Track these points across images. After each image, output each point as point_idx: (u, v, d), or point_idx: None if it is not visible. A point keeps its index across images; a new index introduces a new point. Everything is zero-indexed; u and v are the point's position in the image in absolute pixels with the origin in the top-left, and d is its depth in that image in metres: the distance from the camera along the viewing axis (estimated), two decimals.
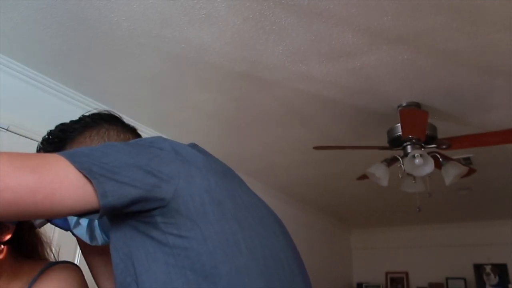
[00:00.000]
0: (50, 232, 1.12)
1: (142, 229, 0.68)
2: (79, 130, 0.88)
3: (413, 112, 2.31)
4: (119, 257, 0.72)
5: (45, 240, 1.05)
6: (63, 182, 0.61)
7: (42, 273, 0.94)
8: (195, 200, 0.68)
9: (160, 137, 0.75)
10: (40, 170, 0.60)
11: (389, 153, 2.65)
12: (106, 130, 0.89)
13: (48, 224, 0.92)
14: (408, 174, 2.60)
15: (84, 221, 0.87)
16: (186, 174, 0.69)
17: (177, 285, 0.64)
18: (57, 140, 0.88)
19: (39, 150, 0.90)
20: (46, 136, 0.89)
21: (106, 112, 0.94)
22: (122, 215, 0.69)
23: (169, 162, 0.69)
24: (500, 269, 5.14)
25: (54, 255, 1.05)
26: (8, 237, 0.94)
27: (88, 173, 0.61)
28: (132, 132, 0.94)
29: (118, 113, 0.96)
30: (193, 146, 0.82)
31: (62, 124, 0.91)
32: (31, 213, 0.60)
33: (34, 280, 0.92)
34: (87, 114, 0.93)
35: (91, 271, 0.98)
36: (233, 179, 0.77)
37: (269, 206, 0.85)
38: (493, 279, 5.13)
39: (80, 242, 0.95)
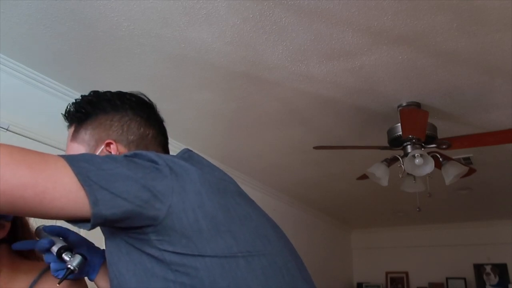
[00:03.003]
0: None
1: (137, 245, 0.68)
2: (105, 110, 0.88)
3: (413, 112, 2.31)
4: (113, 273, 0.72)
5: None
6: (57, 183, 0.61)
7: (43, 273, 0.93)
8: (189, 217, 0.67)
9: (153, 152, 0.75)
10: (37, 167, 0.60)
11: (389, 153, 2.65)
12: (129, 119, 0.89)
13: (47, 224, 0.92)
14: (408, 174, 2.60)
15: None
16: (179, 189, 0.68)
17: None
18: (84, 111, 0.88)
19: (66, 112, 0.90)
20: (77, 101, 0.90)
21: (139, 97, 0.94)
22: (116, 230, 0.69)
23: (163, 177, 0.68)
24: (500, 269, 5.14)
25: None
26: (3, 235, 0.93)
27: (83, 179, 0.61)
28: (155, 127, 0.93)
29: (151, 100, 0.95)
30: (188, 156, 0.81)
31: (94, 95, 0.91)
32: (19, 208, 0.60)
33: (35, 282, 0.92)
34: (122, 92, 0.92)
35: None
36: (226, 189, 0.77)
37: (262, 209, 0.85)
38: (493, 279, 5.13)
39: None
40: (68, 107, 0.91)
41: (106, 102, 0.90)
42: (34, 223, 1.04)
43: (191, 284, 0.65)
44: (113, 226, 0.68)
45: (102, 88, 2.50)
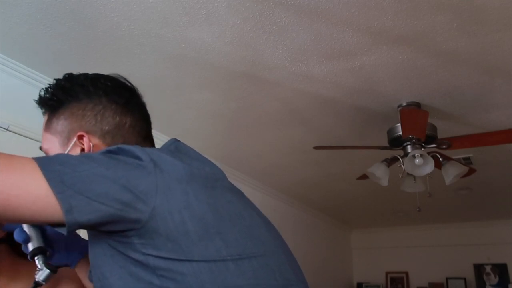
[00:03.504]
0: None
1: (121, 249, 0.65)
2: (78, 97, 0.81)
3: (413, 112, 2.31)
4: (96, 276, 0.68)
5: None
6: (21, 190, 0.57)
7: None
8: (175, 219, 0.63)
9: (137, 147, 0.69)
10: (3, 173, 0.56)
11: (389, 153, 2.65)
12: (103, 107, 0.81)
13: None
14: (408, 174, 2.60)
15: None
16: (164, 187, 0.64)
17: None
18: (56, 99, 0.82)
19: (41, 97, 0.84)
20: (50, 86, 0.83)
21: (116, 81, 0.85)
22: (99, 232, 0.65)
23: (147, 174, 0.63)
24: (500, 269, 5.14)
25: None
26: (1, 235, 0.93)
27: (55, 185, 0.57)
28: (134, 114, 0.85)
29: (131, 83, 0.87)
30: (174, 147, 0.77)
31: (67, 79, 0.83)
32: None
33: None
34: (96, 76, 0.84)
35: None
36: (216, 185, 0.72)
37: (259, 208, 0.82)
38: (493, 279, 5.13)
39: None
40: (41, 92, 0.84)
41: (79, 87, 0.82)
42: None
43: None
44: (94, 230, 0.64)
45: None
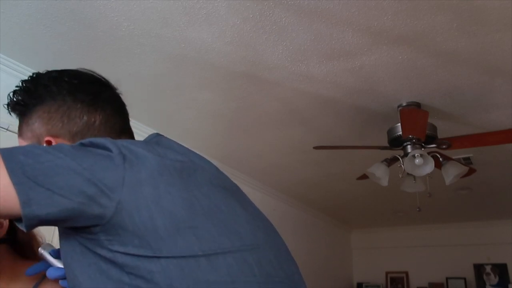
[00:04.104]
0: (49, 234, 1.12)
1: (90, 246, 0.62)
2: (42, 99, 0.77)
3: (413, 112, 2.31)
4: (68, 275, 0.66)
5: (40, 239, 1.04)
6: None
7: (45, 277, 0.93)
8: (142, 214, 0.60)
9: (108, 139, 0.66)
10: None
11: (389, 153, 2.65)
12: (67, 108, 0.76)
13: (47, 226, 0.91)
14: (408, 174, 2.60)
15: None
16: (132, 181, 0.61)
17: None
18: (22, 103, 0.78)
19: (9, 102, 0.80)
20: (16, 89, 0.80)
21: (82, 77, 0.80)
22: (67, 230, 0.63)
23: (115, 167, 0.61)
24: (500, 269, 5.14)
25: None
26: (2, 234, 0.92)
27: (15, 176, 0.55)
28: (104, 110, 0.79)
29: (101, 76, 0.83)
30: (155, 141, 0.73)
31: (32, 81, 0.79)
32: None
33: (38, 283, 0.91)
34: (60, 74, 0.79)
35: None
36: (193, 177, 0.68)
37: (255, 204, 0.78)
38: (493, 279, 5.13)
39: None
40: (9, 96, 0.80)
41: (42, 88, 0.77)
42: None
43: (147, 287, 0.59)
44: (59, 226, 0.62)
45: None
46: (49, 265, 0.82)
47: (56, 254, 0.81)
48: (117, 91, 0.85)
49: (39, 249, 0.86)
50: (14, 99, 0.79)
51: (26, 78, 0.80)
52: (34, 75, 0.79)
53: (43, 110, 0.77)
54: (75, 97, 0.77)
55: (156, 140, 0.75)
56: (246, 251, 0.66)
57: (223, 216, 0.67)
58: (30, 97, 0.78)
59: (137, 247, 0.60)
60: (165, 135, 0.81)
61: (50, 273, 0.77)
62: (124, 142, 0.66)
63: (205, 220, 0.64)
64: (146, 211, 0.60)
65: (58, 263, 0.81)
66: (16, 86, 0.80)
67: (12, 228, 0.95)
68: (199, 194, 0.66)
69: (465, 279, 5.26)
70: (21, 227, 0.59)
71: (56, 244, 1.06)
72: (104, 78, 0.84)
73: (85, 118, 0.77)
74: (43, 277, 0.92)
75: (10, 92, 0.80)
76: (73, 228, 0.62)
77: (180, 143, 0.78)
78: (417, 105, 2.40)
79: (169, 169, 0.65)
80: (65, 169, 0.58)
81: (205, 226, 0.64)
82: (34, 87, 0.78)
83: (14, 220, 0.60)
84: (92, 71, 0.83)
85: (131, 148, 0.65)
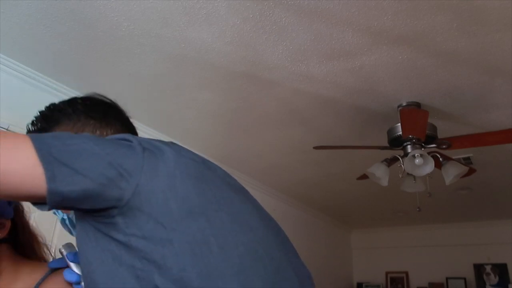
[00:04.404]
0: (49, 234, 1.12)
1: (105, 230, 0.64)
2: (58, 121, 0.84)
3: (413, 112, 2.31)
4: (82, 262, 0.68)
5: (41, 240, 1.04)
6: (12, 158, 0.58)
7: (46, 277, 0.93)
8: (158, 197, 0.63)
9: (129, 134, 0.71)
10: None
11: (389, 153, 2.65)
12: (81, 125, 0.84)
13: (47, 225, 0.91)
14: (408, 174, 2.60)
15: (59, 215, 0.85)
16: (150, 169, 0.64)
17: None
18: (39, 128, 0.85)
19: (28, 131, 0.86)
20: (34, 119, 0.87)
21: (93, 99, 0.89)
22: (84, 214, 0.66)
23: (135, 155, 0.64)
24: (500, 269, 5.14)
25: (52, 256, 1.04)
26: (4, 234, 0.93)
27: (42, 155, 0.58)
28: (114, 125, 0.87)
29: (109, 99, 0.91)
30: (170, 142, 0.77)
31: (48, 109, 0.87)
32: None
33: (39, 284, 0.91)
34: (75, 98, 0.88)
35: None
36: (205, 172, 0.71)
37: (254, 198, 0.79)
38: (493, 279, 5.13)
39: None
40: (28, 126, 0.87)
41: (58, 112, 0.85)
42: (34, 223, 1.03)
43: (159, 272, 0.61)
44: (77, 209, 0.64)
45: (102, 87, 2.52)
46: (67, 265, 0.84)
47: (72, 258, 0.84)
48: (123, 111, 0.93)
49: (60, 247, 0.88)
50: (33, 128, 0.86)
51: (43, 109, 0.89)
52: (51, 105, 0.88)
53: (59, 129, 0.84)
54: (88, 115, 0.86)
55: (170, 142, 0.80)
56: (258, 243, 0.68)
57: (235, 209, 0.69)
58: (47, 121, 0.85)
59: (152, 229, 0.62)
60: (165, 135, 0.83)
61: (66, 276, 0.81)
62: (143, 138, 0.71)
63: (218, 208, 0.67)
64: (162, 195, 0.63)
65: (74, 267, 0.83)
66: (34, 117, 0.87)
67: (13, 228, 0.96)
68: (212, 185, 0.69)
69: (465, 279, 5.27)
70: (41, 208, 0.62)
71: (55, 242, 1.06)
72: (111, 100, 0.92)
73: (98, 132, 0.85)
74: (43, 277, 0.92)
75: (29, 123, 0.87)
76: (91, 212, 0.64)
77: (180, 143, 0.80)
78: (417, 105, 2.40)
79: (185, 162, 0.69)
80: (89, 152, 0.62)
81: (218, 213, 0.66)
82: (50, 112, 0.86)
83: (34, 203, 0.63)
84: (101, 95, 0.92)
85: (150, 141, 0.69)
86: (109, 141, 0.66)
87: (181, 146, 0.77)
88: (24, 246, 0.99)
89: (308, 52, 1.95)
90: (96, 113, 0.87)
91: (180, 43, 1.91)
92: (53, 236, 2.10)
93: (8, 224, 0.93)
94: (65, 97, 2.60)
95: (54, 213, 0.86)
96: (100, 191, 0.61)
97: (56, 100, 0.89)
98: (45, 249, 1.04)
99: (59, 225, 0.86)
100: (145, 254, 0.61)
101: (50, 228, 2.13)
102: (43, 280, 0.92)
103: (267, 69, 2.11)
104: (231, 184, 0.75)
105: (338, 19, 1.72)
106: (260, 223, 0.72)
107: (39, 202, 0.62)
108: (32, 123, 0.86)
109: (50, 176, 0.58)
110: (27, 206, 1.02)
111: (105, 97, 0.91)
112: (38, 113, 0.87)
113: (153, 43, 1.92)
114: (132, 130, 0.91)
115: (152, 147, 0.67)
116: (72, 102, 0.87)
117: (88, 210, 0.63)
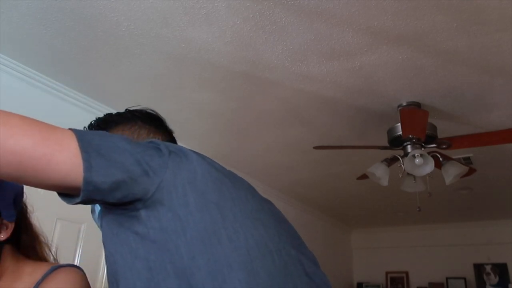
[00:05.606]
0: (50, 233, 1.12)
1: (127, 224, 0.69)
2: (117, 122, 0.94)
3: (413, 112, 2.31)
4: (106, 254, 0.73)
5: (43, 240, 1.05)
6: (63, 146, 0.63)
7: (46, 276, 0.93)
8: (178, 191, 0.68)
9: (157, 140, 0.78)
10: (46, 131, 0.64)
11: (389, 153, 2.65)
12: (138, 127, 0.94)
13: (48, 225, 0.92)
14: (408, 174, 2.60)
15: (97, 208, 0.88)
16: (174, 167, 0.70)
17: (157, 280, 0.65)
18: (98, 127, 0.93)
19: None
20: (92, 123, 0.95)
21: (147, 111, 1.00)
22: (110, 208, 0.70)
23: (161, 156, 0.70)
24: (500, 269, 5.14)
25: (53, 256, 1.05)
26: (7, 236, 0.93)
27: (83, 146, 0.64)
28: (164, 135, 0.97)
29: (160, 115, 1.02)
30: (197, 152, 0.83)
31: (106, 115, 0.97)
32: (23, 168, 0.61)
33: (39, 284, 0.92)
34: (131, 108, 1.00)
35: None
36: (224, 177, 0.76)
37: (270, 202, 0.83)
38: (493, 279, 5.13)
39: None
40: (85, 128, 0.94)
41: (117, 116, 0.95)
42: (38, 223, 1.04)
43: (171, 261, 0.65)
44: (104, 203, 0.68)
45: (102, 87, 2.50)
46: None
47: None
48: (168, 125, 1.04)
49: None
50: (91, 128, 0.93)
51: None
52: (107, 114, 0.97)
53: (117, 129, 0.92)
54: (144, 121, 0.96)
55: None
56: (268, 239, 0.71)
57: (250, 207, 0.73)
58: (107, 122, 0.94)
59: (169, 220, 0.67)
60: None
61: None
62: (171, 143, 0.78)
63: (233, 205, 0.71)
64: (182, 189, 0.68)
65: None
66: (91, 121, 0.95)
67: (16, 229, 0.97)
68: (229, 185, 0.74)
69: (465, 279, 5.27)
70: (68, 201, 0.66)
71: (55, 241, 1.06)
72: (161, 117, 1.03)
73: (151, 135, 0.94)
74: (43, 276, 0.93)
75: (84, 126, 0.93)
76: (118, 205, 0.68)
77: (180, 143, 0.84)
78: (417, 105, 2.40)
79: (207, 166, 0.74)
80: (122, 149, 0.68)
81: (232, 210, 0.70)
82: (110, 117, 0.95)
83: (62, 195, 0.67)
84: (151, 109, 1.02)
85: (176, 146, 0.76)
86: (140, 143, 0.72)
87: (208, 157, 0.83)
88: (27, 247, 1.00)
89: (308, 52, 1.95)
90: (151, 121, 0.97)
91: (180, 43, 1.91)
92: (53, 236, 2.11)
93: (11, 226, 0.94)
94: (65, 97, 2.59)
95: (92, 206, 0.89)
96: (129, 184, 0.66)
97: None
98: (47, 249, 1.04)
99: (59, 225, 0.87)
100: (159, 245, 0.66)
101: (50, 228, 2.13)
102: (43, 279, 0.92)
103: (267, 69, 2.11)
104: (250, 191, 0.79)
105: (338, 19, 1.72)
106: (275, 224, 0.76)
107: (67, 194, 0.66)
108: (89, 126, 0.94)
109: (87, 166, 0.63)
110: (28, 206, 1.03)
111: (155, 112, 1.02)
112: (96, 118, 0.95)
113: (153, 43, 1.92)
114: (173, 140, 1.00)
115: (178, 151, 0.73)
116: (130, 110, 0.98)
117: (115, 203, 0.68)
